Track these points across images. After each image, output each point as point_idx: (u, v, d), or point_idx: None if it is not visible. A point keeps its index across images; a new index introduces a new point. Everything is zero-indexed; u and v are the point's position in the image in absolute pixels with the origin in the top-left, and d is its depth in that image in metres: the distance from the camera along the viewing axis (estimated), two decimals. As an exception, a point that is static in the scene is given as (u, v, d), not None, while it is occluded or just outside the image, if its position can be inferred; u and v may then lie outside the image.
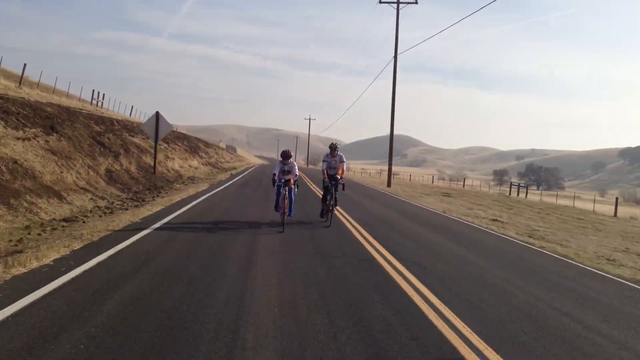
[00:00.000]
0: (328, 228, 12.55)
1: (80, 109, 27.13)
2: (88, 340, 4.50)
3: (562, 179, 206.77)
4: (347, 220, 14.23)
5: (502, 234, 15.42)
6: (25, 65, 28.76)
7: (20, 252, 7.62)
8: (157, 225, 10.94)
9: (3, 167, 12.42)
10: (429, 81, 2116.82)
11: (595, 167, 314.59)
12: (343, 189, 13.72)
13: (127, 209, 13.77)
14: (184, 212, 13.57)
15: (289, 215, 12.22)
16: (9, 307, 5.16)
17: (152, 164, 24.58)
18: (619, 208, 36.42)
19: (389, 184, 41.57)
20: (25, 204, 11.48)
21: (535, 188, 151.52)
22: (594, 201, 45.80)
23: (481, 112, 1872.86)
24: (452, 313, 6.14)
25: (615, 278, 9.79)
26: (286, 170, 12.55)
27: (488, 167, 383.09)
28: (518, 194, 48.17)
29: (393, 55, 39.35)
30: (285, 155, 12.60)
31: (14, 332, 4.58)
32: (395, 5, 38.25)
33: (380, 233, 12.35)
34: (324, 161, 13.88)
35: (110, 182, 18.33)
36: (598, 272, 10.33)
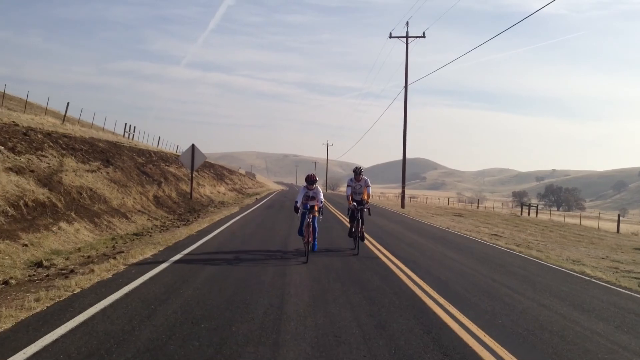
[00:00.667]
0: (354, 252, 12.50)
1: (121, 143, 30.60)
2: (193, 293, 7.51)
3: (582, 199, 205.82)
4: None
5: (492, 243, 18.20)
6: (68, 104, 32.40)
7: (121, 252, 10.71)
8: (211, 235, 14.04)
9: (84, 194, 15.66)
10: (447, 105, 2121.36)
11: (617, 187, 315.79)
12: (369, 213, 13.32)
13: (178, 227, 16.90)
14: (226, 227, 16.67)
15: (313, 249, 11.79)
16: (142, 277, 8.25)
17: (188, 190, 27.84)
18: (629, 226, 38.61)
19: (402, 206, 44.38)
20: (105, 222, 14.69)
21: (556, 209, 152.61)
22: (599, 218, 47.93)
23: (501, 134, 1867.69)
24: (426, 284, 9.03)
25: (566, 271, 12.55)
26: (310, 196, 11.97)
27: (508, 188, 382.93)
28: (529, 214, 50.60)
29: (404, 85, 42.50)
30: (311, 180, 11.96)
31: (153, 286, 7.65)
32: (404, 40, 41.56)
33: (387, 241, 15.27)
34: (348, 186, 13.33)
35: (158, 206, 21.56)
36: (556, 267, 13.09)
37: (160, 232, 15.51)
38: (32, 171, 14.02)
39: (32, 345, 5.06)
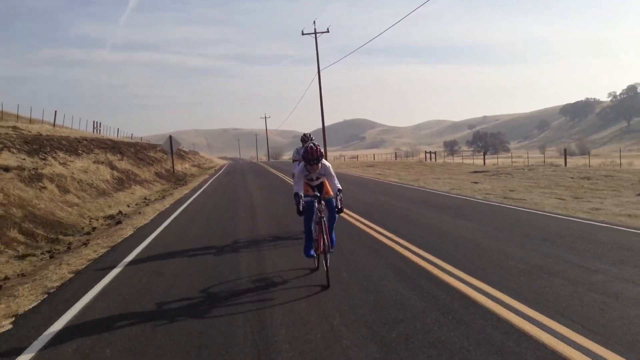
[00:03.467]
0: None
1: (102, 138, 41.72)
2: (205, 222, 19.83)
3: (507, 142, 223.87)
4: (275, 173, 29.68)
5: (372, 177, 31.13)
6: (56, 112, 42.77)
7: (153, 201, 22.80)
8: (205, 186, 26.32)
9: (123, 176, 27.44)
10: (380, 63, 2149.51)
11: (541, 126, 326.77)
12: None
13: (182, 185, 28.92)
14: (213, 181, 28.88)
15: (331, 249, 7.02)
16: (177, 212, 20.54)
17: (169, 168, 39.64)
18: (506, 160, 52.46)
19: (328, 163, 57.27)
20: (146, 186, 26.65)
21: (484, 154, 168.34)
22: (472, 158, 62.51)
23: (434, 86, 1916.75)
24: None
25: (406, 185, 25.50)
26: (315, 185, 7.34)
27: (443, 139, 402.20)
28: (433, 159, 64.55)
29: (317, 71, 54.70)
30: (313, 156, 6.64)
31: (180, 218, 19.98)
32: (313, 35, 53.58)
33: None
34: (294, 160, 10.22)
35: (159, 177, 33.46)
36: (402, 184, 26.05)
37: (175, 188, 27.55)
38: (102, 162, 25.71)
39: (143, 243, 17.24)
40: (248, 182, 28.57)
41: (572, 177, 24.46)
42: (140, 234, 11.64)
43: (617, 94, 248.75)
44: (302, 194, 6.73)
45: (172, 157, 39.16)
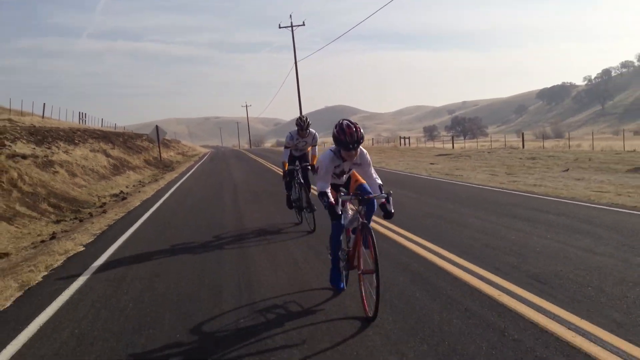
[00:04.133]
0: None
1: (92, 129, 44.14)
2: (198, 195, 22.72)
3: (485, 126, 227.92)
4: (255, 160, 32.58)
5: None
6: (44, 104, 45.00)
7: (147, 183, 25.61)
8: (192, 171, 29.11)
9: (117, 162, 30.10)
10: (362, 49, 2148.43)
11: (518, 111, 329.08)
12: (314, 172, 7.34)
13: (170, 172, 31.67)
14: (197, 167, 31.68)
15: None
16: (172, 189, 23.41)
17: (156, 156, 42.29)
18: (473, 145, 55.76)
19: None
20: (138, 171, 29.38)
21: (462, 138, 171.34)
22: (443, 142, 65.92)
23: (415, 72, 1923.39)
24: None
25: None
26: (341, 178, 5.57)
27: (424, 124, 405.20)
28: (407, 144, 67.86)
29: (294, 62, 57.39)
30: (353, 138, 4.81)
31: (177, 193, 22.86)
32: (290, 29, 56.19)
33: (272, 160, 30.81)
34: (286, 147, 9.42)
35: (148, 165, 36.14)
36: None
37: (164, 173, 30.32)
38: (97, 150, 28.37)
39: (152, 209, 20.13)
40: (231, 167, 31.48)
41: (520, 158, 27.66)
42: (147, 204, 14.54)
43: (592, 77, 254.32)
44: (330, 193, 4.95)
45: (159, 146, 41.80)
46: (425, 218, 9.59)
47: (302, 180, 9.23)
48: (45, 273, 7.04)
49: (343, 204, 5.08)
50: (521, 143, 45.99)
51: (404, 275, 5.97)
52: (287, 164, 9.30)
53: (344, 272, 5.39)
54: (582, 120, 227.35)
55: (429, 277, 5.82)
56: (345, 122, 4.86)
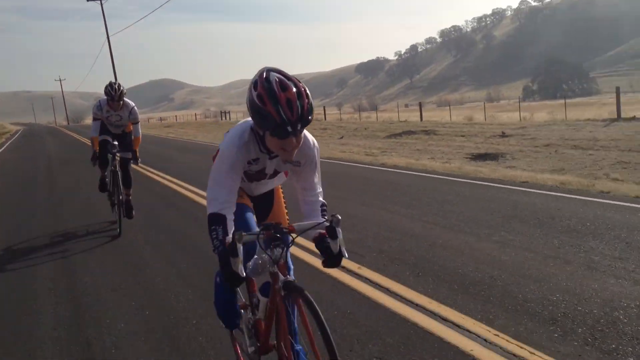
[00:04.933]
0: None
1: None
2: (24, 146, 24.45)
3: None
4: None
5: (158, 135, 36.84)
6: None
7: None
8: (4, 147, 29.99)
9: None
10: (186, 20, 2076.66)
11: (340, 85, 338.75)
12: (137, 162, 7.33)
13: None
14: (8, 145, 32.27)
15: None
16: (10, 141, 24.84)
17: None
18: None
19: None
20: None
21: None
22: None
23: (242, 44, 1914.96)
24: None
25: (184, 140, 31.77)
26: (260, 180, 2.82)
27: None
28: (226, 119, 71.57)
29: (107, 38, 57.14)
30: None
31: (18, 141, 24.42)
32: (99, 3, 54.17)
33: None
34: (95, 119, 7.24)
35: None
36: (175, 138, 32.23)
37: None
38: None
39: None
40: (46, 142, 32.46)
41: (315, 129, 32.95)
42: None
43: (402, 53, 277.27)
44: (229, 221, 2.33)
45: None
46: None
47: (120, 179, 7.02)
48: None
49: (248, 250, 2.32)
50: (339, 116, 52.28)
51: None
52: (97, 140, 7.14)
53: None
54: (394, 93, 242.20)
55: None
56: (275, 75, 2.14)
